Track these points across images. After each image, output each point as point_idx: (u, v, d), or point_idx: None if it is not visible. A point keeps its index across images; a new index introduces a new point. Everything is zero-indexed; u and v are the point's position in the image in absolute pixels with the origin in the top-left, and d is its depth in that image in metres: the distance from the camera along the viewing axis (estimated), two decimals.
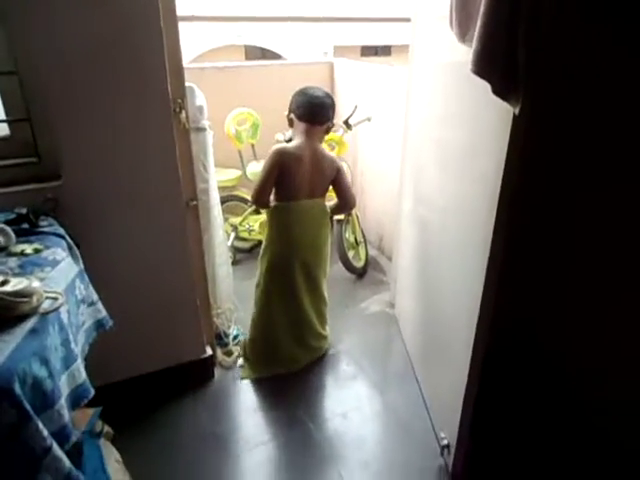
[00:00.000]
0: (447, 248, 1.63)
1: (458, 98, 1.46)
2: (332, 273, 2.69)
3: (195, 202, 1.79)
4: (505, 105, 1.07)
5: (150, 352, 1.88)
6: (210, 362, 2.06)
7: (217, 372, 2.11)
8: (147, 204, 1.65)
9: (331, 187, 2.03)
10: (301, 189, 1.95)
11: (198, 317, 1.95)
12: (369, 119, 2.71)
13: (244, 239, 3.14)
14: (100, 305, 1.25)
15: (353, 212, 2.86)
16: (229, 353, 2.21)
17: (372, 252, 3.16)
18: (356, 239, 2.92)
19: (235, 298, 2.45)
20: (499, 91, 1.06)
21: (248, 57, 12.67)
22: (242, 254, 3.19)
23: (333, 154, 2.08)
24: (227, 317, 2.29)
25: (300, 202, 1.96)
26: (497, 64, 1.02)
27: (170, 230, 1.73)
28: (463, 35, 1.28)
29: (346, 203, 2.08)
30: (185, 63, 1.64)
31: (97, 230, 1.58)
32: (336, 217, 2.74)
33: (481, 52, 1.03)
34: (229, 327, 2.30)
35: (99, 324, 1.24)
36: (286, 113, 2.00)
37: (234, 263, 3.04)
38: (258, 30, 11.70)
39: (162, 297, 1.82)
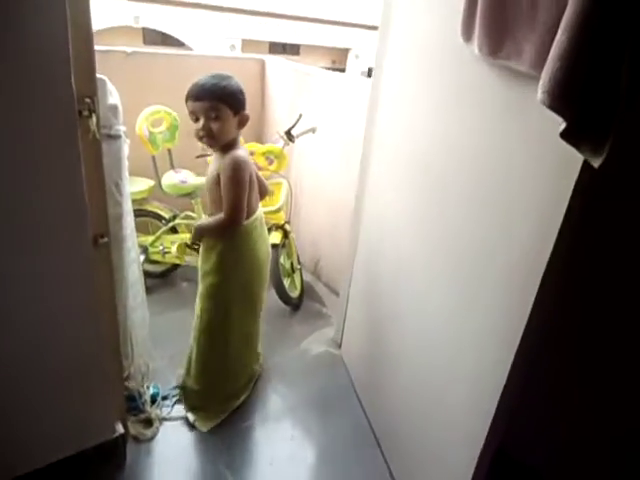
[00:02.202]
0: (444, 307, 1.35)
1: (472, 127, 1.16)
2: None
3: (106, 239, 1.31)
4: (563, 151, 0.80)
5: (41, 440, 1.36)
6: (122, 441, 1.57)
7: (130, 450, 1.63)
8: (38, 245, 1.15)
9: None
10: (256, 198, 1.73)
11: (106, 385, 1.46)
12: (314, 130, 2.36)
13: (156, 262, 2.62)
14: None
15: (290, 234, 2.50)
16: (147, 422, 1.74)
17: (307, 277, 2.82)
18: (292, 265, 2.56)
19: (151, 345, 1.96)
20: (574, 133, 0.78)
21: (146, 42, 11.61)
22: (153, 280, 2.66)
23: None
24: (142, 374, 1.80)
25: (258, 212, 1.74)
26: (585, 96, 0.74)
27: (70, 279, 1.23)
28: (494, 51, 0.99)
29: (264, 188, 1.82)
30: None
31: None
32: (271, 241, 2.36)
33: (564, 78, 0.73)
34: (144, 386, 1.81)
35: None
36: (239, 114, 1.56)
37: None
38: (158, 13, 10.72)
39: (58, 367, 1.32)
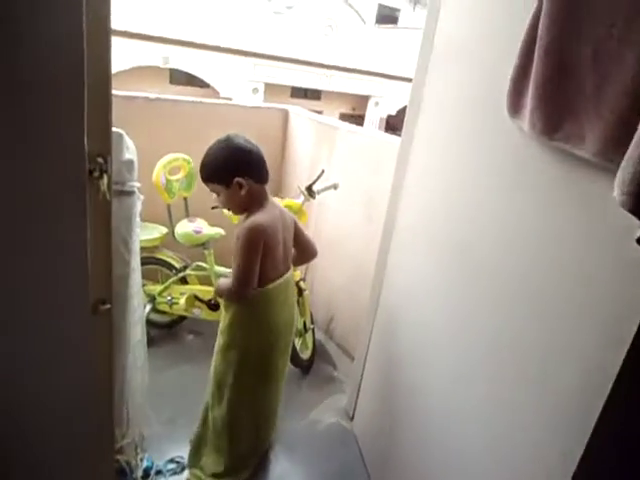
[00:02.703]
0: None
1: (519, 210, 1.05)
2: None
3: (108, 305, 1.19)
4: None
5: None
6: None
7: None
8: (29, 309, 1.04)
9: None
10: (281, 262, 1.60)
11: (95, 461, 1.31)
12: (335, 187, 2.28)
13: (162, 312, 2.50)
14: None
15: (305, 292, 2.37)
16: None
17: (318, 335, 2.67)
18: (305, 324, 2.42)
19: (148, 410, 1.81)
20: None
21: (172, 82, 11.96)
22: (158, 330, 2.54)
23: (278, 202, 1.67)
24: (136, 445, 1.65)
25: (283, 277, 1.61)
26: None
27: (63, 349, 1.11)
28: (550, 131, 0.89)
29: (311, 249, 1.77)
30: None
31: None
32: None
33: None
34: (138, 459, 1.65)
35: None
36: (232, 184, 1.47)
37: (148, 343, 2.39)
38: (186, 54, 11.08)
39: (42, 444, 1.17)
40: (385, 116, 15.47)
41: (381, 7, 14.42)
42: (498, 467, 1.07)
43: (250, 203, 1.51)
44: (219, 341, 1.64)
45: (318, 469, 1.84)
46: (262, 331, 1.60)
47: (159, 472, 1.71)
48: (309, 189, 2.18)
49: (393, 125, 13.77)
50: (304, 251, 1.74)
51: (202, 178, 1.53)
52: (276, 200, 1.67)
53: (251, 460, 1.78)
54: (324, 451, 1.93)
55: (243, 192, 1.47)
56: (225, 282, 1.58)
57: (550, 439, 0.91)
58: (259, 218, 1.48)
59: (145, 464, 1.68)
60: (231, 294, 1.53)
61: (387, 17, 15.10)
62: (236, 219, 2.19)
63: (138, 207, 1.41)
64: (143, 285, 2.38)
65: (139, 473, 1.63)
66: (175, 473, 1.74)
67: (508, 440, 1.04)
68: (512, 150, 1.07)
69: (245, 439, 1.73)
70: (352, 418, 2.08)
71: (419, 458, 1.44)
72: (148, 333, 2.40)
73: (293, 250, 1.69)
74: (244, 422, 1.69)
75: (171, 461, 1.78)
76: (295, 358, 2.27)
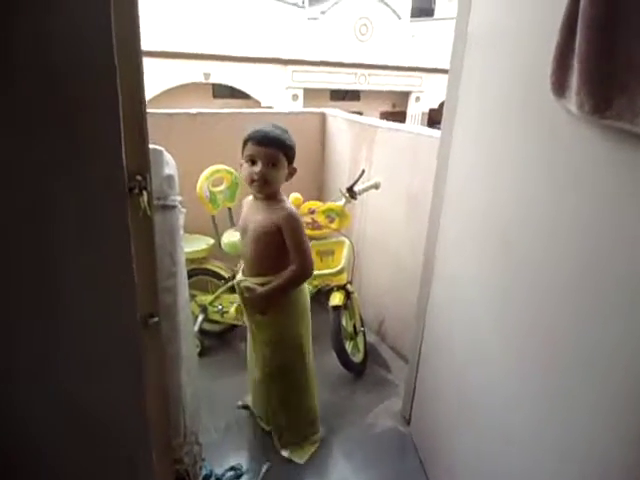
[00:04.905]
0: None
1: (575, 202, 0.97)
2: (323, 371, 2.16)
3: (156, 319, 1.22)
4: None
5: None
6: None
7: None
8: (81, 327, 1.08)
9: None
10: None
11: (151, 474, 1.34)
12: (377, 186, 2.24)
13: (214, 321, 2.55)
14: None
15: (353, 294, 2.34)
16: None
17: (370, 338, 2.63)
18: (355, 327, 2.39)
19: (204, 418, 1.84)
20: None
21: (216, 96, 12.28)
22: (211, 340, 2.59)
23: None
24: (195, 454, 1.68)
25: None
26: None
27: (115, 364, 1.15)
28: (600, 109, 0.82)
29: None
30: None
31: None
32: (332, 303, 2.23)
33: None
34: (196, 466, 1.68)
35: None
36: (290, 166, 1.63)
37: (200, 354, 2.44)
38: (226, 69, 11.36)
39: (99, 456, 1.21)
40: (427, 110, 15.16)
41: (415, 0, 14.14)
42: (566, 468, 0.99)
43: (279, 190, 1.63)
44: (272, 331, 1.76)
45: (378, 476, 1.80)
46: (306, 310, 1.80)
47: (219, 479, 1.73)
48: (350, 190, 2.16)
49: (436, 119, 13.46)
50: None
51: (277, 145, 1.55)
52: None
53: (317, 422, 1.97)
54: (383, 457, 1.88)
55: (288, 178, 1.62)
56: (269, 287, 1.63)
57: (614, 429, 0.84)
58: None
59: (204, 472, 1.71)
60: (300, 277, 1.63)
61: (423, 10, 14.78)
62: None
63: (181, 220, 1.44)
64: (194, 296, 2.46)
65: None
66: (234, 479, 1.75)
67: (576, 438, 0.96)
68: (559, 134, 0.99)
69: (313, 405, 1.93)
70: (409, 422, 2.02)
71: (480, 460, 1.37)
72: (202, 342, 2.48)
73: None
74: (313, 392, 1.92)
75: (230, 469, 1.79)
76: (347, 362, 2.25)
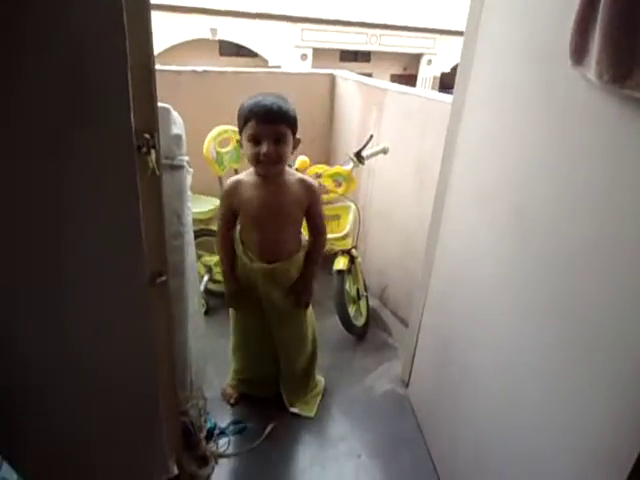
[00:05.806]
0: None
1: (588, 170, 0.96)
2: (325, 333, 2.21)
3: (164, 277, 1.24)
4: None
5: None
6: None
7: None
8: (89, 284, 1.10)
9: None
10: None
11: (159, 425, 1.40)
12: (385, 151, 2.21)
13: (219, 281, 2.58)
14: None
15: (357, 259, 2.36)
16: (201, 459, 1.67)
17: (372, 302, 2.66)
18: (358, 292, 2.42)
19: (209, 374, 1.90)
20: None
21: (222, 54, 11.99)
22: (216, 299, 2.63)
23: None
24: (200, 408, 1.74)
25: None
26: None
27: (125, 319, 1.18)
28: (620, 78, 0.80)
29: None
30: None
31: None
32: (336, 267, 2.24)
33: None
34: (201, 419, 1.75)
35: None
36: (294, 137, 1.54)
37: (206, 313, 2.49)
38: (233, 25, 11.03)
39: (109, 404, 1.26)
40: (439, 74, 14.78)
41: None
42: (565, 437, 1.03)
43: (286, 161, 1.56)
44: (302, 316, 1.81)
45: (375, 433, 1.86)
46: None
47: (222, 432, 1.80)
48: (358, 155, 2.13)
49: (447, 83, 13.12)
50: None
51: (282, 120, 1.44)
52: None
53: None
54: (381, 416, 1.94)
55: (293, 149, 1.54)
56: (309, 269, 1.69)
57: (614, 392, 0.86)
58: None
59: (208, 425, 1.78)
60: (323, 247, 1.69)
61: None
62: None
63: (188, 180, 1.44)
64: (200, 256, 2.48)
65: (203, 433, 1.73)
66: (237, 433, 1.82)
67: (576, 405, 0.99)
68: (575, 103, 0.97)
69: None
70: (407, 385, 2.08)
71: (476, 425, 1.42)
72: (207, 302, 2.52)
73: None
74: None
75: (233, 422, 1.86)
76: (349, 325, 2.29)
